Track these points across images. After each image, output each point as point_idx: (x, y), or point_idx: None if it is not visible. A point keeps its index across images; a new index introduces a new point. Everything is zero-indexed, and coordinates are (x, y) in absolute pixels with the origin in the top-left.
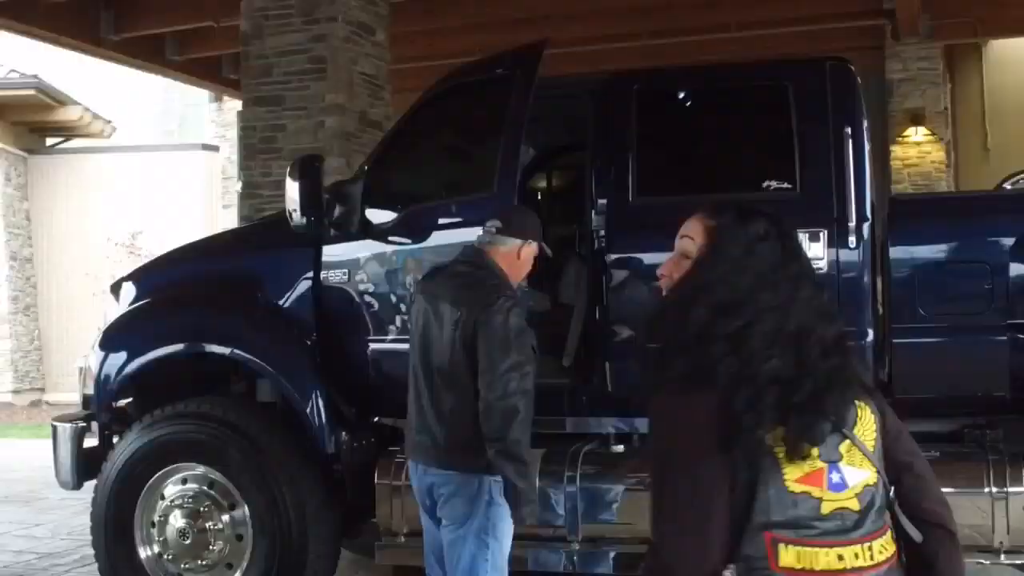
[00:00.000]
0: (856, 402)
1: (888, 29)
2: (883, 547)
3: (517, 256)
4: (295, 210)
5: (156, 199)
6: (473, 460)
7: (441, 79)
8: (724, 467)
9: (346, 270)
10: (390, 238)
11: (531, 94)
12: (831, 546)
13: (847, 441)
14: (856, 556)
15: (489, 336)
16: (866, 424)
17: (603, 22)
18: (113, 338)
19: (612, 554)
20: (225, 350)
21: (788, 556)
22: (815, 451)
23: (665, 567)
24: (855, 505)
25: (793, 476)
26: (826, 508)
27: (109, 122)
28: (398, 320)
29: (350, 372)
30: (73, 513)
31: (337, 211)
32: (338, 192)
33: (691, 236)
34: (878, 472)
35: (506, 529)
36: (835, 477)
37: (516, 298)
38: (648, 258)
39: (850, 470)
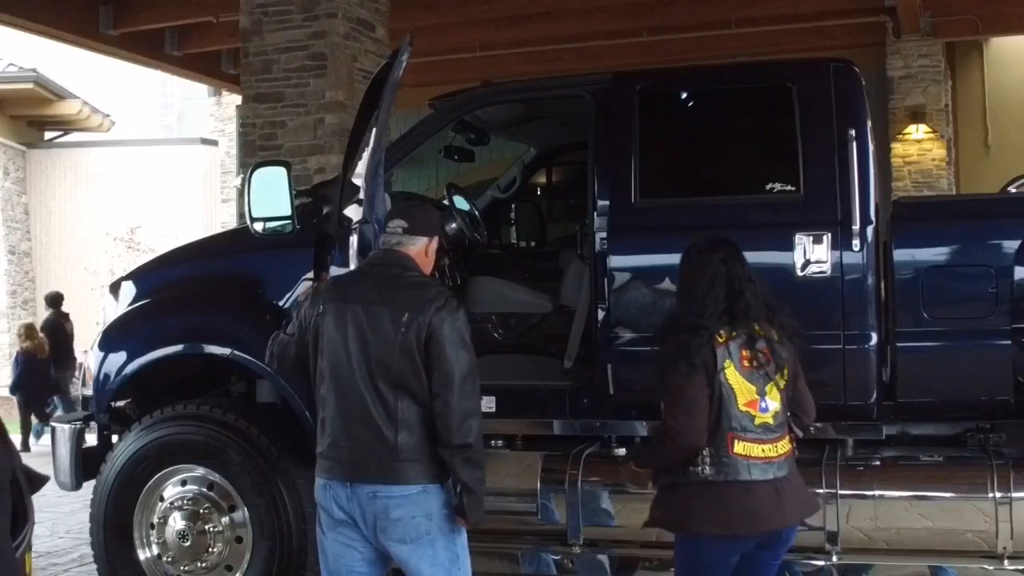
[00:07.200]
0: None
1: (889, 26)
2: (784, 445)
3: (425, 253)
4: (253, 216)
5: (155, 193)
6: (431, 469)
7: None
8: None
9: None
10: None
11: (390, 80)
12: (758, 443)
13: (772, 384)
14: (770, 449)
15: (448, 338)
16: (783, 375)
17: (603, 18)
18: (112, 338)
19: (613, 557)
20: (225, 351)
21: (738, 447)
22: (753, 388)
23: (671, 431)
24: (771, 421)
25: (742, 402)
26: (757, 422)
27: (108, 116)
28: None
29: None
30: (71, 511)
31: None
32: (317, 193)
33: None
34: (783, 402)
35: (464, 533)
36: (763, 404)
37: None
38: (650, 260)
39: (771, 402)
